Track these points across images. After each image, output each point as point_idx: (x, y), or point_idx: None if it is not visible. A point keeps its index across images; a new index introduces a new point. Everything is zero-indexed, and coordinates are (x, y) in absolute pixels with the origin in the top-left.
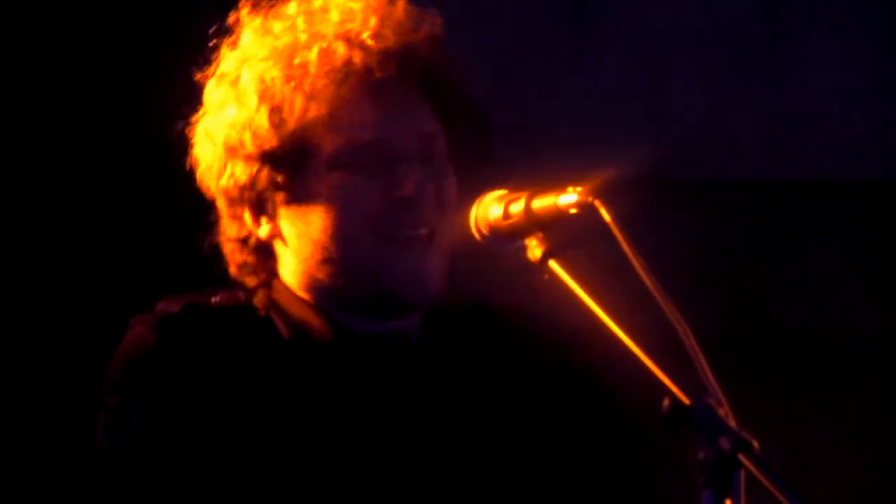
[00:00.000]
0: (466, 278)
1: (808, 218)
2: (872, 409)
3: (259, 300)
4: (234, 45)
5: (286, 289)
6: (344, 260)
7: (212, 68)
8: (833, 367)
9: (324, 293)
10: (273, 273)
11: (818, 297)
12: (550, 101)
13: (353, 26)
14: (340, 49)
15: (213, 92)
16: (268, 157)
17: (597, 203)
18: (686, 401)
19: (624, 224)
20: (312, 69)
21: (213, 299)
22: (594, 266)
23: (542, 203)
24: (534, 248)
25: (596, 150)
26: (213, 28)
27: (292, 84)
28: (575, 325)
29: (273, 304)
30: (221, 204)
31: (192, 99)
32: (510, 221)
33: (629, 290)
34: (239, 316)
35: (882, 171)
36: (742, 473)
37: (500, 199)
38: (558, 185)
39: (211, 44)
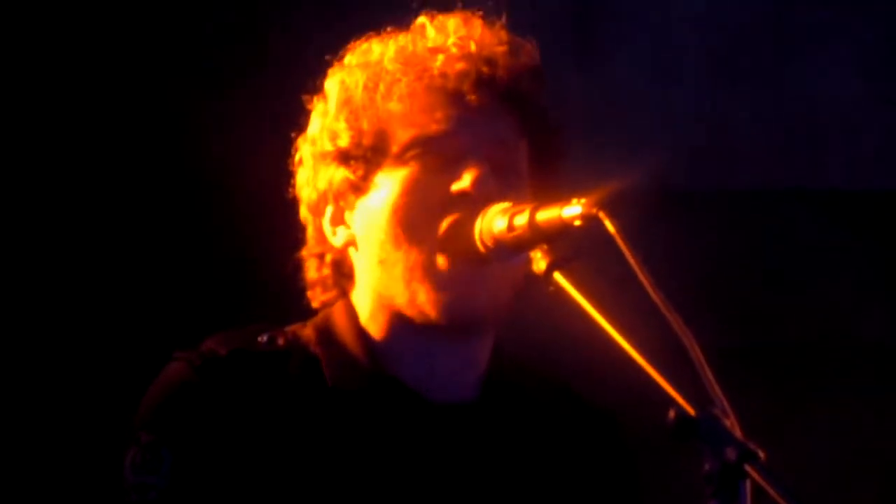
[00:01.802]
0: None
1: (814, 228)
2: (878, 419)
3: (308, 334)
4: (336, 68)
5: (346, 315)
6: (397, 260)
7: (318, 95)
8: (838, 377)
9: (383, 309)
10: (343, 291)
11: (824, 307)
12: (554, 112)
13: (441, 37)
14: (421, 52)
15: (313, 115)
16: (343, 157)
17: (601, 214)
18: (691, 411)
19: (628, 235)
20: (391, 67)
21: (259, 339)
22: (599, 277)
23: (546, 215)
24: (539, 261)
25: (601, 160)
26: (312, 49)
27: (369, 83)
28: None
29: (324, 338)
30: (310, 222)
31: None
32: (515, 234)
33: (634, 301)
34: (284, 360)
35: (887, 182)
36: (748, 484)
37: (505, 211)
38: (563, 197)
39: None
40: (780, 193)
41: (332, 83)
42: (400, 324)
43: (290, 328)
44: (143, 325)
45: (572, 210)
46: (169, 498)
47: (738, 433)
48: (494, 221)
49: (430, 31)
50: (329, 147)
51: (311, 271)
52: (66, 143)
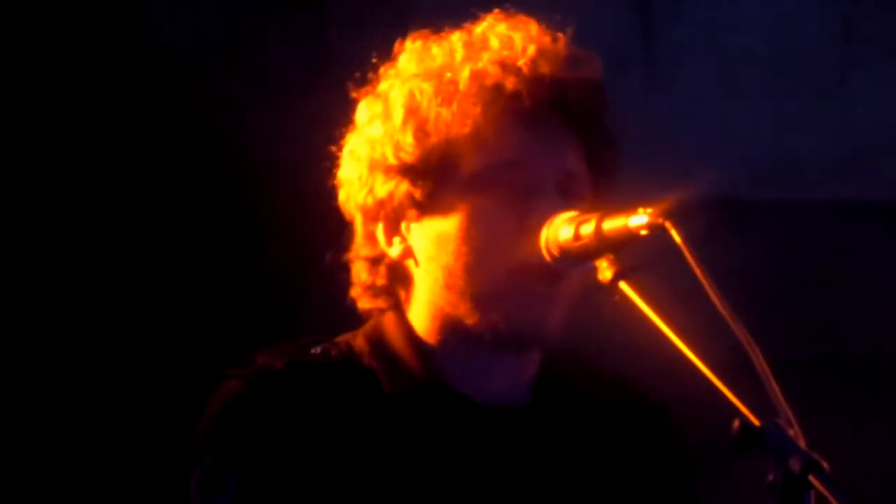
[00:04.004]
0: None
1: (878, 241)
2: None
3: (360, 344)
4: (393, 67)
5: (399, 326)
6: (466, 287)
7: (368, 89)
8: None
9: (443, 324)
10: (396, 300)
11: (889, 321)
12: (621, 123)
13: (510, 53)
14: (493, 71)
15: (364, 110)
16: (408, 171)
17: (667, 224)
18: (756, 421)
19: (694, 246)
20: (462, 87)
21: (312, 351)
22: (664, 287)
23: (612, 224)
24: (604, 270)
25: (667, 171)
26: (376, 53)
27: (440, 100)
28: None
29: (377, 350)
30: (359, 222)
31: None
32: (581, 243)
33: (699, 312)
34: (340, 370)
35: None
36: (812, 494)
37: (571, 220)
38: (629, 207)
39: (374, 65)
40: (843, 206)
41: (397, 90)
42: (459, 337)
43: (341, 339)
44: (200, 333)
45: (639, 220)
46: None
47: (802, 444)
48: (560, 230)
49: (494, 43)
50: (392, 160)
51: (363, 274)
52: (126, 147)
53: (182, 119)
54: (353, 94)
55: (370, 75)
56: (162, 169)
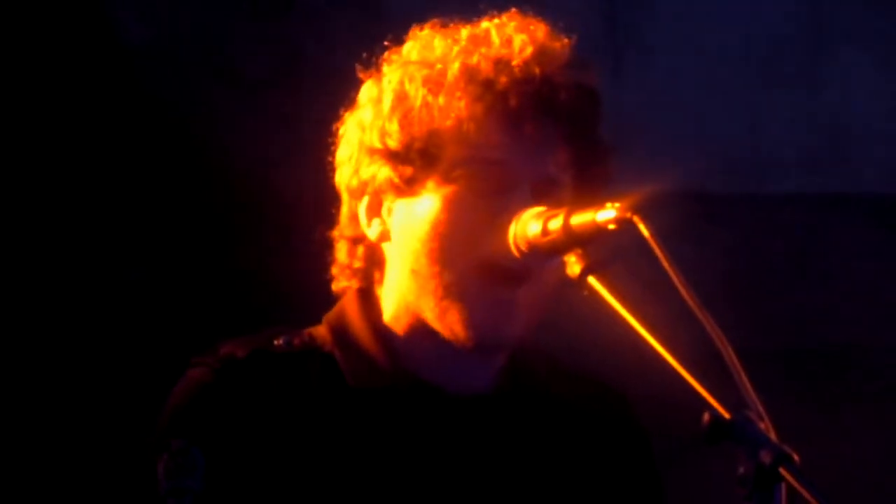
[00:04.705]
0: None
1: (850, 232)
2: None
3: (323, 333)
4: (398, 52)
5: (361, 312)
6: (431, 276)
7: (372, 71)
8: (873, 380)
9: (408, 313)
10: (369, 283)
11: (860, 311)
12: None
13: (507, 52)
14: (485, 67)
15: (363, 92)
16: (391, 157)
17: (636, 218)
18: (726, 414)
19: (663, 239)
20: (451, 79)
21: (275, 342)
22: (634, 281)
23: (580, 219)
24: (573, 265)
25: (637, 165)
26: (389, 39)
27: (428, 90)
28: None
29: (339, 338)
30: (345, 202)
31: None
32: (549, 238)
33: (669, 305)
34: (302, 361)
35: None
36: (783, 487)
37: (539, 215)
38: (597, 201)
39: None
40: (815, 198)
41: (390, 76)
42: (423, 330)
43: (305, 330)
44: (172, 330)
45: (606, 214)
46: (205, 499)
47: (772, 436)
48: (528, 226)
49: (495, 40)
50: (377, 144)
51: (342, 254)
52: (90, 143)
53: (146, 114)
54: (360, 75)
55: (375, 58)
56: (127, 165)
